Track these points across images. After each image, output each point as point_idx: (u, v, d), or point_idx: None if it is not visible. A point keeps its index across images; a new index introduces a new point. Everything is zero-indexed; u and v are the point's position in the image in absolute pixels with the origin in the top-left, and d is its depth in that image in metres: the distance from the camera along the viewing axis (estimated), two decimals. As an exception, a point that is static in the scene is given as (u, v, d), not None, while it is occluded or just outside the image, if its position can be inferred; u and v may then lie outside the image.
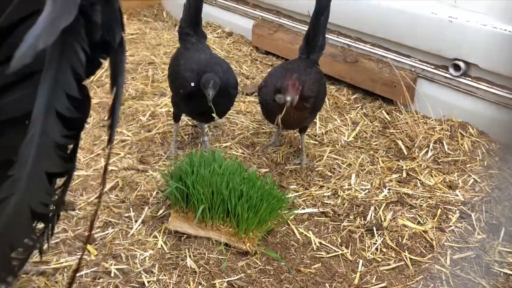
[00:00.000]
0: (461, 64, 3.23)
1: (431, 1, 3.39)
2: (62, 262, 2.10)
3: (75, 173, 2.69)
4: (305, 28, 4.33)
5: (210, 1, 5.27)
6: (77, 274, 2.04)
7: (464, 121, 3.29)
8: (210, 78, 2.52)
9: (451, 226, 2.49)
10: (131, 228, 2.34)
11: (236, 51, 4.77)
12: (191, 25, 2.96)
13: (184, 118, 3.41)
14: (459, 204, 2.64)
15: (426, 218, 2.54)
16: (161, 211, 2.46)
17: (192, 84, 2.61)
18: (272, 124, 2.98)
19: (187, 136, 3.22)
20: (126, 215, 2.43)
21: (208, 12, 5.33)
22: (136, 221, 2.39)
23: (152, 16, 5.86)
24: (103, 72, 3.97)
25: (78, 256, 2.15)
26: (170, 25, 5.52)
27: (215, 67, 2.66)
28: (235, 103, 3.72)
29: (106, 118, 3.32)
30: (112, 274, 2.07)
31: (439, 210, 2.59)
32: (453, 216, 2.55)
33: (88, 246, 2.21)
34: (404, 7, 3.52)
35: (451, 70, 3.30)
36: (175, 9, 5.83)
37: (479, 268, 2.24)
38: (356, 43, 3.95)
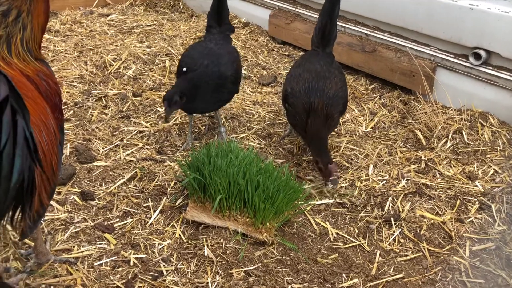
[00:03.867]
0: (482, 53, 3.16)
1: (451, -11, 3.33)
2: (83, 251, 2.14)
3: (95, 163, 2.73)
4: (322, 17, 4.29)
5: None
6: (97, 263, 2.08)
7: (485, 111, 3.24)
8: (168, 95, 2.60)
9: (470, 217, 2.46)
10: (150, 218, 2.37)
11: (252, 42, 4.75)
12: (214, 18, 3.03)
13: (201, 109, 3.42)
14: (479, 195, 2.60)
15: (444, 209, 2.51)
16: (179, 201, 2.48)
17: (184, 69, 2.74)
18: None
19: (204, 127, 3.23)
20: (145, 205, 2.46)
21: (225, 2, 5.31)
22: (154, 211, 2.42)
23: (169, 7, 5.88)
24: (121, 63, 4.00)
25: (98, 245, 2.19)
26: (187, 16, 5.52)
27: (212, 58, 2.73)
28: (251, 93, 3.73)
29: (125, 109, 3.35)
30: (131, 263, 2.10)
31: (458, 201, 2.56)
32: (472, 207, 2.52)
33: (108, 236, 2.24)
34: (424, -5, 3.46)
35: (471, 59, 3.24)
36: (192, 0, 5.83)
37: (499, 259, 2.21)
38: (374, 32, 3.90)
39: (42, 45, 1.77)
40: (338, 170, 2.58)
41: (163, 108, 2.67)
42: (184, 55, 2.91)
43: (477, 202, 2.55)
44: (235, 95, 3.66)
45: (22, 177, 1.17)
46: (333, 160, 2.65)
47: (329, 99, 2.60)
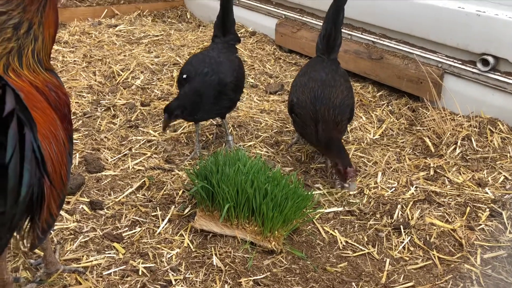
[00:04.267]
0: (490, 59, 3.15)
1: (458, -5, 3.32)
2: (92, 261, 2.15)
3: (103, 173, 2.75)
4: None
5: (233, 1, 5.29)
6: (106, 272, 2.09)
7: (494, 117, 3.22)
8: (170, 107, 2.64)
9: (481, 224, 2.44)
10: (158, 227, 2.37)
11: (259, 50, 4.77)
12: (219, 28, 3.07)
13: (209, 117, 3.44)
14: (489, 202, 2.58)
15: (454, 216, 2.49)
16: (187, 210, 2.48)
17: (184, 76, 2.77)
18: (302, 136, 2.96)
19: (211, 136, 3.24)
20: (153, 214, 2.47)
21: (231, 12, 5.35)
22: (163, 220, 2.42)
23: (176, 18, 5.93)
24: (129, 73, 4.04)
25: (107, 255, 2.19)
26: (194, 26, 5.56)
27: (212, 65, 2.75)
28: (258, 101, 3.73)
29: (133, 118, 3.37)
30: (140, 273, 2.10)
31: (468, 208, 2.53)
32: (483, 214, 2.49)
33: (116, 245, 2.25)
34: (430, 2, 3.46)
35: (479, 65, 3.23)
36: (199, 10, 5.88)
37: (511, 267, 2.18)
38: (381, 40, 3.90)
39: (51, 56, 1.79)
40: (357, 172, 2.57)
41: (163, 118, 2.70)
42: (185, 63, 2.95)
43: (487, 209, 2.53)
44: (242, 103, 3.67)
45: (31, 191, 1.17)
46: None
47: (336, 107, 2.60)
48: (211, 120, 3.40)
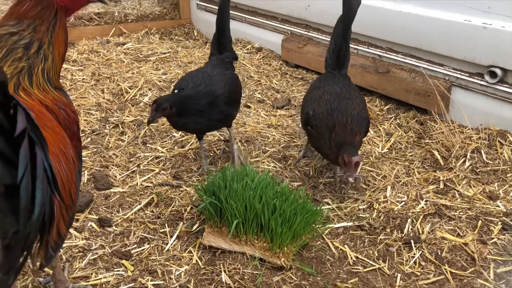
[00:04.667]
0: (498, 71, 3.14)
1: (464, 8, 3.33)
2: (101, 278, 2.14)
3: (112, 190, 2.75)
4: (334, 40, 4.32)
5: (240, 18, 5.34)
6: (115, 290, 2.08)
7: (503, 129, 3.19)
8: (159, 100, 2.61)
9: (493, 238, 2.40)
10: (167, 244, 2.36)
11: (266, 66, 4.80)
12: (215, 46, 3.11)
13: (216, 133, 3.45)
14: (501, 215, 2.54)
15: (466, 230, 2.46)
16: (195, 226, 2.48)
17: (176, 91, 2.78)
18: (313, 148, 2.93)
19: (219, 151, 3.24)
20: (162, 230, 2.46)
21: (238, 28, 5.40)
22: (171, 236, 2.41)
23: (183, 35, 5.99)
24: (137, 91, 4.07)
25: (116, 272, 2.18)
26: (201, 43, 5.62)
27: (205, 79, 2.76)
28: (265, 116, 3.74)
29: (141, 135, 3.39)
30: (149, 290, 2.09)
31: (480, 221, 2.50)
32: (495, 228, 2.46)
33: (125, 262, 2.24)
34: (436, 15, 3.47)
35: (487, 77, 3.21)
36: (206, 27, 5.94)
37: (525, 282, 2.14)
38: (387, 54, 3.91)
39: (61, 74, 1.81)
40: (361, 160, 2.45)
41: (150, 111, 2.66)
42: (179, 79, 2.96)
43: (499, 223, 2.49)
44: (249, 118, 3.68)
45: (44, 210, 1.18)
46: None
47: (354, 118, 2.56)
48: (218, 135, 3.41)
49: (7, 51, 1.57)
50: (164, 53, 5.13)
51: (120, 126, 3.52)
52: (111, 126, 3.52)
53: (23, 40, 1.60)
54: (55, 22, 1.66)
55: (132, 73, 4.52)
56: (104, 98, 3.96)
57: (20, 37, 1.59)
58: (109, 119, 3.62)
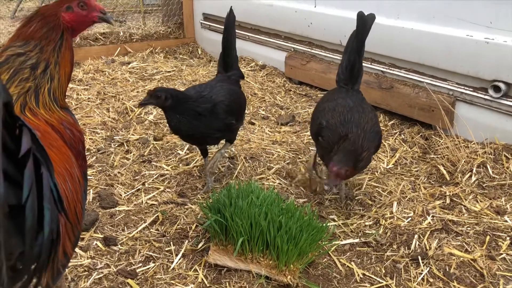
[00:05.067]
0: (501, 85, 3.14)
1: (465, 24, 3.35)
2: (106, 298, 2.13)
3: (117, 208, 2.75)
4: (337, 57, 4.36)
5: (243, 36, 5.40)
6: (120, 309, 2.06)
7: (508, 144, 3.18)
8: (158, 88, 2.63)
9: (501, 253, 2.37)
10: (172, 262, 2.35)
11: (269, 83, 4.83)
12: (221, 65, 3.17)
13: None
14: (509, 230, 2.52)
15: (474, 245, 2.43)
16: (200, 244, 2.46)
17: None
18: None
19: (223, 168, 3.25)
20: (167, 249, 2.45)
21: (242, 47, 5.45)
22: (176, 255, 2.40)
23: (187, 54, 6.05)
24: (142, 109, 4.09)
25: (121, 291, 2.17)
26: (205, 62, 5.67)
27: (207, 88, 2.78)
28: (270, 133, 3.75)
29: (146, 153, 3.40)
30: (154, 309, 2.07)
31: (488, 237, 2.48)
32: (503, 243, 2.43)
33: (130, 281, 2.23)
34: (438, 31, 3.49)
35: (491, 92, 3.22)
36: (210, 45, 6.00)
37: (535, 298, 2.11)
38: (391, 69, 3.92)
39: (66, 94, 1.83)
40: (343, 173, 2.41)
41: (145, 96, 2.66)
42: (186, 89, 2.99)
43: (508, 238, 2.46)
44: (253, 135, 3.69)
45: (53, 230, 1.17)
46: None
47: (366, 132, 2.54)
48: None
49: (14, 72, 1.60)
50: (169, 72, 5.18)
51: (125, 144, 3.53)
52: (116, 145, 3.54)
53: (30, 61, 1.62)
54: (62, 43, 1.69)
55: (137, 92, 4.56)
56: (109, 117, 3.99)
57: (27, 58, 1.62)
58: (114, 137, 3.64)
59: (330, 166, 2.41)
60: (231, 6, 3.10)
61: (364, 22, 2.80)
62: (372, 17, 2.82)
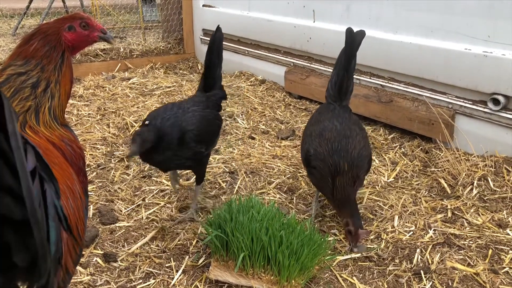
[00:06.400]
0: (501, 98, 3.16)
1: (464, 37, 3.37)
2: (106, 315, 2.11)
3: (117, 224, 2.74)
4: (337, 71, 4.38)
5: (243, 51, 5.43)
6: (120, 327, 2.04)
7: (509, 156, 3.18)
8: (141, 132, 2.43)
9: (504, 267, 2.36)
10: (172, 279, 2.33)
11: (269, 98, 4.84)
12: (201, 84, 2.98)
13: (221, 165, 3.45)
14: (512, 244, 2.50)
15: (476, 259, 2.41)
16: (201, 260, 2.45)
17: (146, 122, 2.57)
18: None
19: (225, 183, 3.24)
20: (167, 265, 2.44)
21: (241, 62, 5.49)
22: (177, 271, 2.38)
23: (187, 69, 6.08)
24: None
25: (121, 309, 2.15)
26: (205, 76, 5.68)
27: (177, 113, 2.61)
28: (270, 147, 3.75)
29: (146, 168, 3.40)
30: (155, 327, 2.05)
31: (490, 250, 2.46)
32: (506, 257, 2.41)
33: (131, 298, 2.21)
34: (437, 45, 3.51)
35: (490, 105, 3.23)
36: (209, 60, 6.03)
37: (540, 312, 2.09)
38: (390, 83, 3.94)
39: (66, 110, 1.83)
40: (368, 235, 2.52)
41: (132, 146, 2.41)
42: (152, 111, 2.78)
43: (510, 251, 2.45)
44: (254, 150, 3.69)
45: (59, 248, 1.17)
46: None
47: (354, 159, 2.54)
48: (224, 167, 3.41)
49: (14, 91, 1.60)
50: (169, 87, 5.20)
51: (125, 160, 3.53)
52: (117, 160, 3.54)
53: (31, 80, 1.63)
54: (62, 61, 1.70)
55: (137, 107, 4.57)
56: (109, 133, 4.00)
57: (27, 77, 1.63)
58: (114, 153, 3.64)
59: (355, 231, 2.48)
60: (218, 25, 2.92)
61: (353, 39, 2.81)
62: (361, 33, 2.83)
